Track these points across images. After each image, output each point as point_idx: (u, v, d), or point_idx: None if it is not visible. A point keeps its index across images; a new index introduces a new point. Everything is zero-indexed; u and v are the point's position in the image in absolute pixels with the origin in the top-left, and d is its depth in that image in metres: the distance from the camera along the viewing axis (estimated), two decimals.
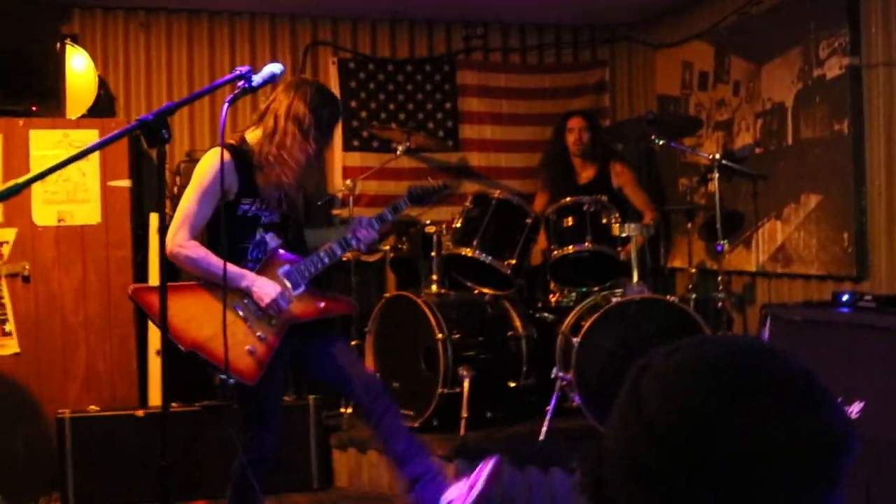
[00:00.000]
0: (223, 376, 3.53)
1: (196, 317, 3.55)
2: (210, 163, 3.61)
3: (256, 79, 3.08)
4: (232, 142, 3.70)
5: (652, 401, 1.10)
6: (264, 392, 3.73)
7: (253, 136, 3.74)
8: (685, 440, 1.06)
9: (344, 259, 5.80)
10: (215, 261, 3.54)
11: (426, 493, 3.90)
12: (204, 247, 3.62)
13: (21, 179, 2.09)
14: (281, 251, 3.76)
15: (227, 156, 3.57)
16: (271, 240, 3.75)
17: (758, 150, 5.64)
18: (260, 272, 3.69)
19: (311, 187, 3.91)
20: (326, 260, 3.82)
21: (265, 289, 3.64)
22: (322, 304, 3.83)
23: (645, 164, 6.81)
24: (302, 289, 3.76)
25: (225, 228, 3.51)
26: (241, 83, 3.04)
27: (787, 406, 1.07)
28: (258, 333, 3.66)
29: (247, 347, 3.63)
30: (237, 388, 3.70)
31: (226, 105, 2.99)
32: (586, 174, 6.21)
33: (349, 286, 5.98)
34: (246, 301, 3.65)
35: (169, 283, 3.42)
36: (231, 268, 3.54)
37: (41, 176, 2.13)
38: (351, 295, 5.91)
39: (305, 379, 4.13)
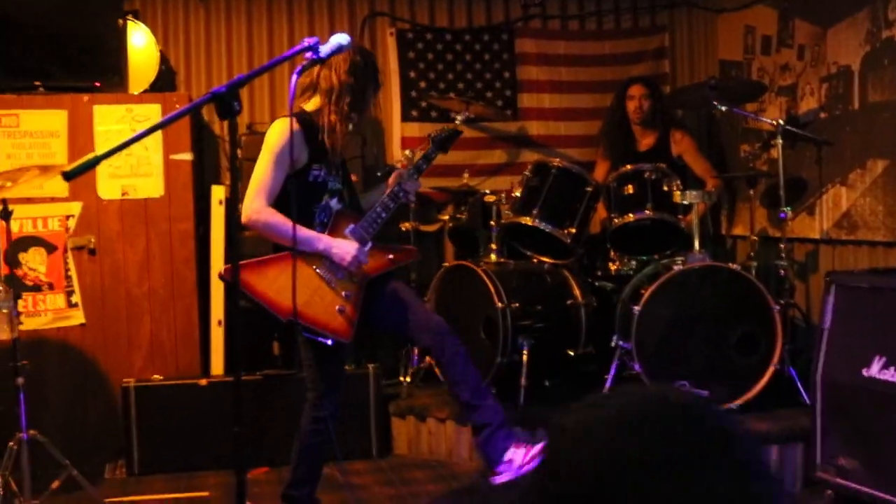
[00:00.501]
0: (321, 339, 3.77)
1: (287, 285, 3.65)
2: (280, 131, 3.78)
3: (324, 49, 3.14)
4: (295, 112, 3.79)
5: (558, 468, 1.00)
6: (339, 352, 3.92)
7: (311, 105, 3.88)
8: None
9: (403, 229, 5.87)
10: (293, 227, 3.64)
11: (489, 445, 4.00)
12: (279, 213, 3.75)
13: (99, 153, 2.12)
14: (343, 212, 3.92)
15: (296, 125, 3.74)
16: (335, 204, 3.91)
17: (822, 115, 5.53)
18: (330, 233, 3.86)
19: (349, 153, 4.09)
20: (384, 215, 4.00)
21: (344, 248, 3.83)
22: (391, 256, 4.05)
23: (706, 131, 6.71)
24: (369, 245, 3.94)
25: (297, 194, 3.68)
26: (308, 54, 3.09)
27: (708, 475, 0.96)
28: (343, 293, 3.87)
29: (336, 307, 3.84)
30: (313, 349, 3.87)
31: (294, 76, 3.02)
32: (646, 142, 6.15)
33: None
34: (326, 263, 3.83)
35: (256, 259, 3.72)
36: (306, 232, 3.76)
37: (119, 149, 2.15)
38: (411, 267, 5.94)
39: (375, 329, 4.29)
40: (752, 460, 0.99)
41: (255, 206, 3.77)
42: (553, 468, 1.00)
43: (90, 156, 2.06)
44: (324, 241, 3.83)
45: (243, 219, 3.78)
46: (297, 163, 3.77)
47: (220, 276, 3.79)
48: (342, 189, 3.97)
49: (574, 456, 0.99)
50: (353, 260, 3.84)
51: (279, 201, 3.80)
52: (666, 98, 6.28)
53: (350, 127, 3.88)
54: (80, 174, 2.01)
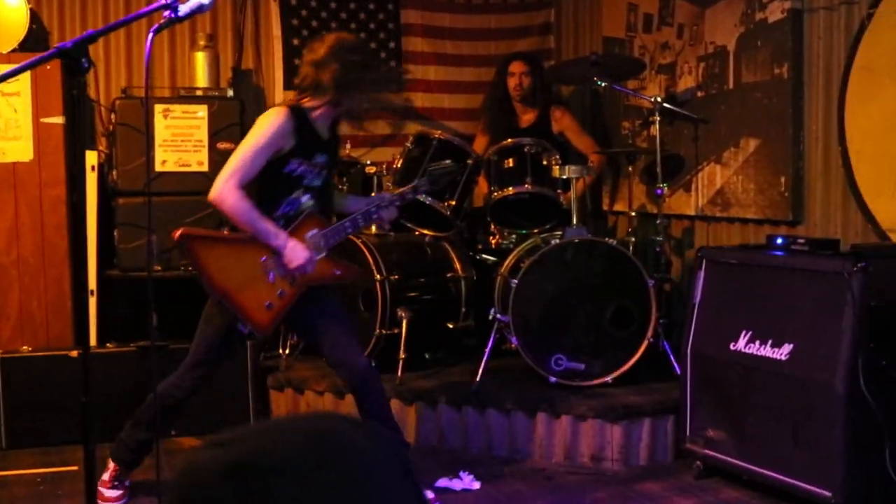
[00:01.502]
0: (240, 326, 3.89)
1: (230, 267, 3.83)
2: (271, 120, 3.84)
3: (183, 8, 3.03)
4: (291, 103, 3.96)
5: None
6: (236, 342, 4.06)
7: (309, 102, 3.95)
8: None
9: None
10: (256, 217, 3.79)
11: None
12: (248, 199, 3.80)
13: None
14: (313, 214, 3.97)
15: (289, 115, 3.84)
16: (307, 201, 3.95)
17: (700, 94, 5.64)
18: (291, 232, 3.90)
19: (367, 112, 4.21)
20: (350, 230, 4.09)
21: (297, 252, 3.87)
22: (337, 272, 4.13)
23: (589, 107, 6.78)
24: (324, 254, 3.99)
25: (269, 181, 3.85)
26: (166, 13, 2.98)
27: None
28: (279, 290, 3.92)
29: (266, 302, 3.90)
30: (220, 326, 3.96)
31: (150, 35, 2.90)
32: (527, 118, 6.18)
33: None
34: (274, 257, 3.87)
35: (211, 232, 3.83)
36: (267, 224, 3.81)
37: None
38: None
39: (295, 333, 4.47)
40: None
41: (227, 186, 3.79)
42: None
43: None
44: (281, 238, 3.87)
45: (211, 195, 3.79)
46: (280, 152, 3.85)
47: (177, 239, 3.76)
48: (320, 186, 4.01)
49: None
50: (298, 266, 3.90)
51: (251, 183, 3.85)
52: (549, 72, 6.32)
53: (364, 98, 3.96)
54: None
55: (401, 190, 4.28)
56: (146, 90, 3.22)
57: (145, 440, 4.16)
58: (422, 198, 5.29)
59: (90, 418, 2.22)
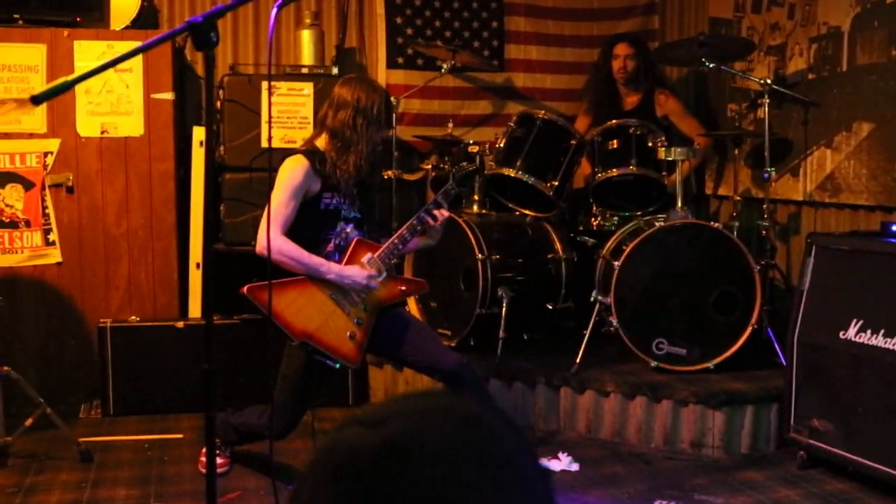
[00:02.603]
0: (329, 362, 3.96)
1: (303, 309, 3.92)
2: (292, 168, 3.95)
3: None
4: (305, 147, 4.07)
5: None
6: (319, 378, 4.10)
7: (321, 141, 4.06)
8: None
9: (384, 177, 5.83)
10: (306, 256, 3.92)
11: None
12: (293, 242, 3.92)
13: (70, 77, 2.05)
14: (362, 241, 4.08)
15: (306, 161, 3.95)
16: (352, 231, 4.07)
17: (811, 76, 5.50)
18: (347, 262, 4.02)
19: (368, 175, 4.20)
20: (402, 247, 4.14)
21: (354, 276, 3.98)
22: (403, 288, 4.25)
23: (693, 89, 6.67)
24: (384, 274, 4.08)
25: (309, 221, 3.97)
26: None
27: None
28: (355, 319, 4.02)
29: (347, 333, 3.99)
30: (305, 366, 4.03)
31: (274, 10, 2.93)
32: (631, 101, 6.10)
33: (390, 206, 5.97)
34: (341, 289, 3.99)
35: (277, 280, 3.85)
36: (317, 261, 3.93)
37: (90, 74, 2.08)
38: (392, 215, 5.91)
39: (382, 356, 4.59)
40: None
41: (270, 235, 3.87)
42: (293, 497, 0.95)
43: (61, 80, 1.99)
44: (334, 269, 3.97)
45: (258, 248, 3.90)
46: (309, 192, 3.97)
47: (244, 294, 3.82)
48: (359, 217, 4.13)
49: (301, 487, 0.94)
50: (363, 287, 4.01)
51: (293, 228, 3.97)
52: (654, 53, 6.22)
53: (355, 164, 3.99)
54: (49, 98, 1.95)
55: (434, 197, 4.27)
56: (269, 66, 3.29)
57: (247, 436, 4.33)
58: (524, 178, 5.28)
59: (212, 385, 2.25)
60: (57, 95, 1.97)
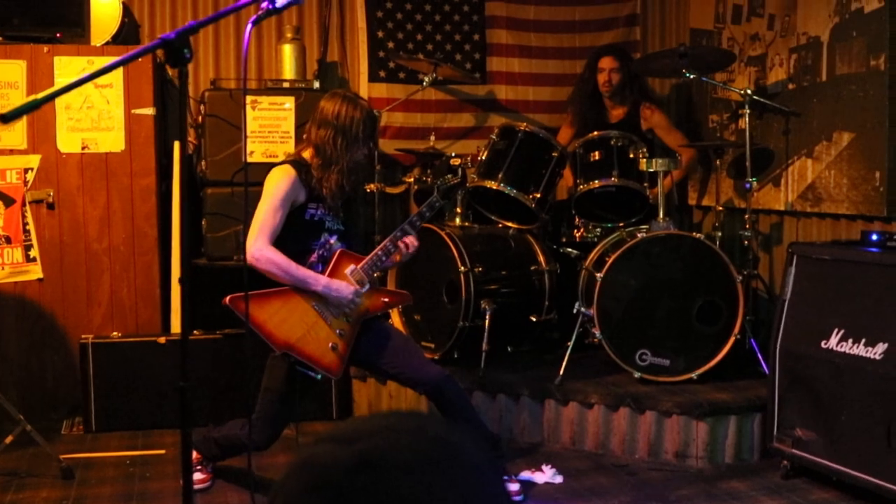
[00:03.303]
0: (311, 373, 3.97)
1: (286, 320, 3.94)
2: (279, 178, 3.98)
3: (280, 0, 3.05)
4: (293, 157, 4.11)
5: None
6: (298, 391, 4.08)
7: (307, 154, 4.09)
8: None
9: (367, 189, 5.83)
10: (294, 267, 3.93)
11: None
12: (282, 253, 3.94)
13: (40, 95, 2.04)
14: (346, 252, 4.09)
15: (293, 171, 3.99)
16: (335, 242, 4.09)
17: (791, 86, 5.52)
18: (330, 273, 4.03)
19: (351, 190, 4.20)
20: (385, 258, 4.14)
21: (341, 290, 4.00)
22: (386, 299, 4.26)
23: (676, 101, 6.69)
24: (368, 286, 4.10)
25: (295, 231, 3.99)
26: (264, 4, 3.01)
27: None
28: (337, 330, 4.04)
29: (329, 345, 4.01)
30: (287, 378, 4.01)
31: (249, 26, 2.94)
32: (616, 114, 6.11)
33: (373, 218, 5.97)
34: (324, 300, 3.98)
35: (259, 291, 3.89)
36: (305, 272, 3.95)
37: (60, 92, 2.09)
38: (375, 227, 5.91)
39: (363, 367, 4.61)
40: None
41: (258, 245, 3.93)
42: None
43: (30, 98, 1.98)
44: (322, 281, 3.98)
45: (248, 258, 3.90)
46: (295, 202, 4.00)
47: (225, 305, 3.83)
48: (343, 230, 4.16)
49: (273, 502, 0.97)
50: (349, 301, 4.01)
51: (279, 238, 3.98)
52: (636, 63, 6.23)
53: (337, 182, 4.01)
54: (19, 116, 1.94)
55: (418, 210, 4.28)
56: (244, 81, 3.24)
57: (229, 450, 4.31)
58: (506, 190, 5.28)
59: (187, 402, 2.24)
60: (27, 113, 1.97)
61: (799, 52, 5.44)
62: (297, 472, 0.96)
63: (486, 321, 5.13)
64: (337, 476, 0.92)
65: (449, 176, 4.90)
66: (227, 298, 3.84)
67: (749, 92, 5.31)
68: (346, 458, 0.93)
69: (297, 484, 0.95)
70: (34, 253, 5.38)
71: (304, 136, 4.18)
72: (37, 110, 2.12)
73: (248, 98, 5.60)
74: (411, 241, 4.15)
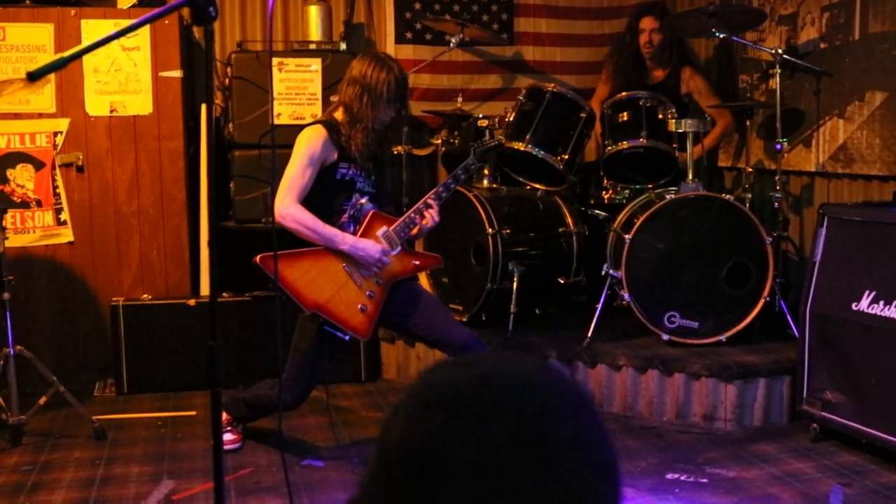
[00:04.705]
0: (340, 334, 3.98)
1: (316, 280, 3.95)
2: (310, 136, 4.00)
3: None
4: (325, 118, 4.12)
5: (389, 435, 0.99)
6: (329, 352, 4.10)
7: (339, 114, 4.09)
8: (410, 475, 0.95)
9: (394, 152, 5.81)
10: (321, 225, 3.94)
11: None
12: (309, 212, 3.94)
13: (66, 53, 2.04)
14: (378, 214, 4.09)
15: (324, 131, 4.00)
16: (366, 203, 4.09)
17: (822, 46, 5.44)
18: (362, 234, 4.04)
19: (378, 150, 4.23)
20: (418, 220, 4.12)
21: (368, 249, 4.00)
22: (417, 262, 4.25)
23: (704, 60, 6.60)
24: (399, 248, 4.10)
25: (325, 190, 3.99)
26: None
27: (519, 452, 0.95)
28: (367, 292, 4.04)
29: (359, 306, 4.02)
30: (316, 339, 4.03)
31: None
32: (657, 75, 6.00)
33: (401, 180, 5.96)
34: (354, 261, 4.00)
35: (289, 251, 3.91)
36: (332, 231, 3.95)
37: (86, 51, 2.08)
38: (402, 189, 5.90)
39: (393, 329, 4.68)
40: (575, 449, 0.97)
41: (286, 203, 3.94)
42: (385, 429, 1.01)
43: (57, 56, 1.98)
44: (349, 241, 3.99)
45: (276, 216, 3.92)
46: (326, 162, 4.00)
47: (255, 264, 3.84)
48: (374, 192, 4.16)
49: (391, 421, 1.01)
50: (376, 261, 4.01)
51: (311, 197, 3.99)
52: (663, 26, 6.13)
53: (363, 140, 4.02)
54: (45, 74, 1.94)
55: (454, 172, 4.25)
56: (269, 42, 3.23)
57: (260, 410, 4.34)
58: (534, 151, 5.25)
59: (217, 361, 2.25)
60: (53, 71, 1.96)
61: (831, 10, 5.36)
62: (416, 392, 1.02)
63: (514, 283, 5.13)
64: (459, 392, 0.99)
65: (485, 138, 4.88)
66: (258, 257, 3.85)
67: (780, 51, 5.23)
68: (467, 377, 1.01)
69: (419, 401, 1.00)
70: (64, 216, 5.42)
71: (337, 97, 4.19)
72: (63, 69, 2.12)
73: (275, 60, 5.59)
74: (432, 214, 4.12)
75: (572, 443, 0.97)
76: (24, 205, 5.36)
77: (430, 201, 4.12)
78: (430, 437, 0.96)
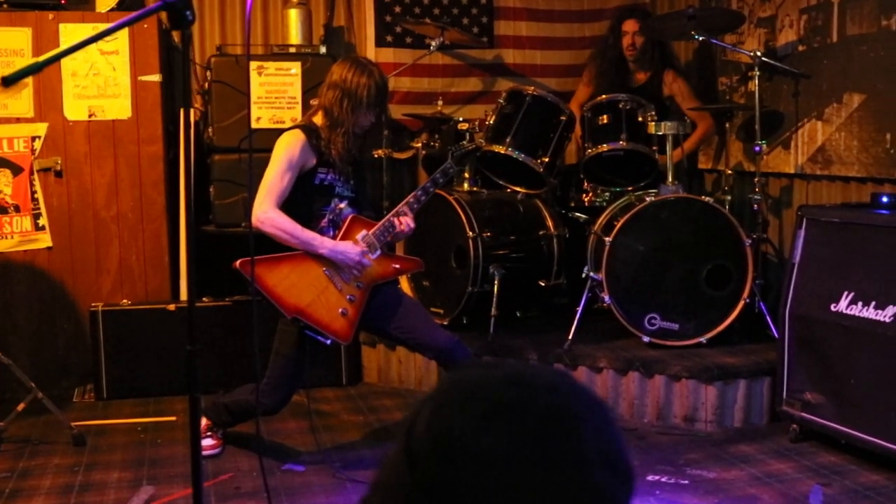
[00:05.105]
0: (321, 338, 3.97)
1: (296, 284, 3.95)
2: (289, 142, 4.00)
3: None
4: (304, 122, 4.14)
5: (414, 429, 1.01)
6: (309, 357, 4.11)
7: (318, 118, 4.11)
8: (437, 467, 0.97)
9: (375, 156, 5.81)
10: (299, 230, 3.94)
11: None
12: (287, 216, 3.94)
13: (42, 57, 2.03)
14: (358, 218, 4.09)
15: (303, 135, 4.00)
16: (346, 207, 4.08)
17: (801, 48, 5.47)
18: (342, 237, 4.04)
19: (358, 154, 4.23)
20: (397, 223, 4.11)
21: (347, 252, 4.00)
22: (397, 266, 4.25)
23: (684, 62, 6.62)
24: (378, 252, 4.10)
25: (304, 195, 3.99)
26: None
27: (546, 448, 0.98)
28: (347, 296, 4.04)
29: (339, 310, 4.01)
30: (297, 344, 4.05)
31: None
32: (639, 78, 6.02)
33: (381, 184, 5.95)
34: (334, 265, 3.99)
35: (268, 256, 3.90)
36: (311, 235, 3.95)
37: (62, 55, 2.08)
38: (383, 193, 5.89)
39: (373, 333, 4.65)
40: (596, 448, 1.00)
41: (263, 207, 3.93)
42: (410, 422, 1.03)
43: (31, 61, 1.97)
44: (327, 244, 3.99)
45: (253, 221, 3.91)
46: (304, 167, 4.00)
47: (235, 269, 3.82)
48: (353, 196, 4.16)
49: (417, 416, 1.02)
50: (356, 264, 4.01)
51: (288, 202, 3.98)
52: (643, 29, 6.15)
53: (343, 144, 4.02)
54: (20, 79, 1.93)
55: (431, 176, 4.27)
56: (247, 46, 3.22)
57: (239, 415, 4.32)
58: (514, 154, 5.25)
59: (196, 366, 2.25)
60: (29, 76, 1.96)
61: (809, 12, 5.39)
62: (446, 389, 1.05)
63: (495, 286, 5.13)
64: (489, 389, 1.02)
65: (464, 142, 4.88)
66: (237, 263, 3.85)
67: (759, 54, 5.25)
68: (494, 376, 1.04)
69: (448, 397, 1.03)
70: (43, 221, 5.38)
71: (317, 101, 4.19)
72: (39, 73, 2.11)
73: (255, 64, 5.57)
74: (407, 221, 4.12)
75: (595, 443, 1.00)
76: (2, 210, 5.33)
77: (405, 208, 4.12)
78: (459, 430, 0.98)
